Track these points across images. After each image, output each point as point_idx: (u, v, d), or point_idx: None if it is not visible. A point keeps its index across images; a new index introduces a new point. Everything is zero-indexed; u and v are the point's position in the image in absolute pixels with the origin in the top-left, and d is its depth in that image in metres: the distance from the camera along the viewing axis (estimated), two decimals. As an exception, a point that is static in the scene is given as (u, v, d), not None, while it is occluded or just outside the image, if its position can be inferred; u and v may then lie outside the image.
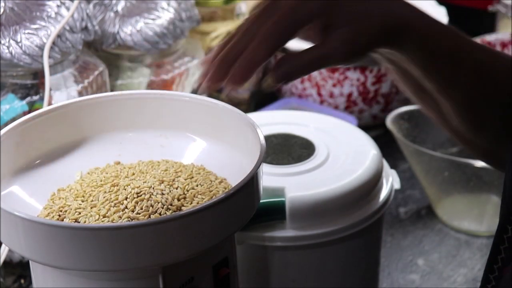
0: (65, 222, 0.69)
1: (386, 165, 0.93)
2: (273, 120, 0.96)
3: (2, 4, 1.01)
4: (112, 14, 1.13)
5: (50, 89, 1.01)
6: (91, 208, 0.69)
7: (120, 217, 0.68)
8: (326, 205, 0.84)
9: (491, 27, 1.54)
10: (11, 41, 0.99)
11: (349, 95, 1.33)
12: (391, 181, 0.92)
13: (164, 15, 1.14)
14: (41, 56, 1.00)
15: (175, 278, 0.69)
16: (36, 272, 0.72)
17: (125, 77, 1.16)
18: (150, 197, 0.70)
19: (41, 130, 0.77)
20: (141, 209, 0.69)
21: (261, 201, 0.73)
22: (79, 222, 0.69)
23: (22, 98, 1.02)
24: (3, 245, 0.93)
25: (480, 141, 0.76)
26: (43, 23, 1.01)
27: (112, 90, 1.13)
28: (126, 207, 0.69)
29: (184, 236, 0.65)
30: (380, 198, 0.89)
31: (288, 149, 0.91)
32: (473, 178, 1.13)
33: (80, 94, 1.04)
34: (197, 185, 0.73)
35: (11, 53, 0.99)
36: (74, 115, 0.80)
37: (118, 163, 0.79)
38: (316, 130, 0.94)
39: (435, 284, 1.07)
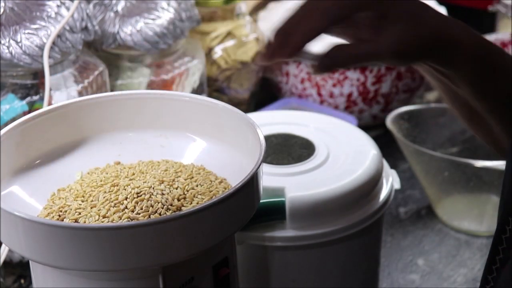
0: (65, 222, 0.69)
1: (386, 165, 0.93)
2: (273, 120, 0.96)
3: (2, 4, 1.01)
4: (112, 14, 1.13)
5: (50, 89, 1.01)
6: (91, 208, 0.69)
7: (120, 217, 0.68)
8: (326, 205, 0.84)
9: (491, 27, 1.54)
10: (11, 41, 0.99)
11: (349, 95, 1.33)
12: (391, 181, 0.92)
13: (164, 15, 1.14)
14: (41, 56, 1.00)
15: (175, 278, 0.69)
16: (36, 272, 0.72)
17: (125, 77, 1.16)
18: (150, 197, 0.70)
19: (41, 130, 0.77)
20: (141, 209, 0.69)
21: (261, 201, 0.73)
22: (79, 222, 0.69)
23: (22, 98, 1.02)
24: (3, 245, 0.93)
25: None
26: (43, 23, 1.01)
27: (112, 90, 1.13)
28: (126, 207, 0.69)
29: (184, 236, 0.65)
30: (380, 198, 0.89)
31: (288, 149, 0.91)
32: (473, 178, 1.14)
33: (80, 94, 1.04)
34: (197, 185, 0.73)
35: (11, 53, 0.99)
36: (74, 115, 0.80)
37: (118, 163, 0.79)
38: (316, 130, 0.94)
39: (435, 284, 1.07)
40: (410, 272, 1.09)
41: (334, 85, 1.32)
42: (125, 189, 0.71)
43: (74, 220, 0.69)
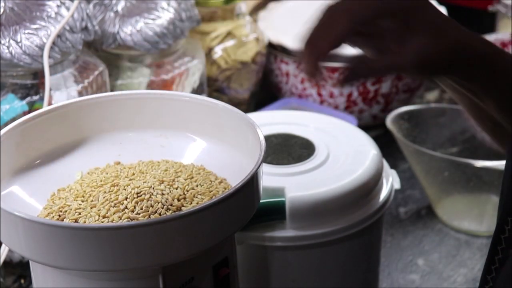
0: (65, 222, 0.69)
1: (386, 165, 0.93)
2: (273, 120, 0.96)
3: (2, 4, 1.01)
4: (112, 14, 1.13)
5: (50, 89, 1.00)
6: (91, 208, 0.69)
7: (120, 217, 0.68)
8: (326, 205, 0.84)
9: (491, 27, 1.54)
10: (11, 41, 0.99)
11: (349, 95, 1.33)
12: (391, 181, 0.92)
13: (164, 15, 1.14)
14: (41, 56, 1.00)
15: (175, 278, 0.69)
16: (36, 272, 0.72)
17: (125, 77, 1.16)
18: (150, 197, 0.70)
19: (41, 130, 0.77)
20: (141, 209, 0.69)
21: (261, 201, 0.73)
22: (79, 222, 0.69)
23: (22, 98, 1.02)
24: (3, 245, 0.93)
25: None
26: (43, 23, 1.01)
27: (112, 90, 1.13)
28: (126, 207, 0.69)
29: (184, 236, 0.65)
30: (380, 198, 0.89)
31: (288, 149, 0.91)
32: (473, 178, 1.14)
33: (80, 94, 1.04)
34: (197, 185, 0.73)
35: (11, 53, 0.99)
36: (74, 115, 0.80)
37: (118, 163, 0.79)
38: (316, 130, 0.94)
39: (435, 284, 1.07)
40: (410, 272, 1.09)
41: (334, 85, 1.32)
42: (125, 189, 0.71)
43: (74, 220, 0.69)
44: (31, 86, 1.02)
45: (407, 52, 0.66)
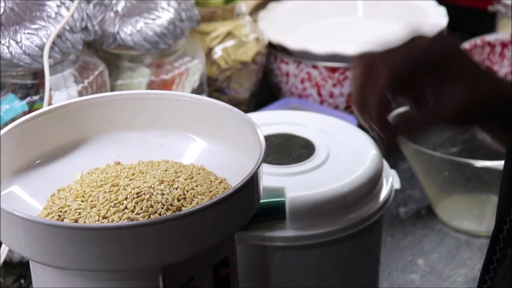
0: (65, 222, 0.69)
1: (386, 165, 0.93)
2: (273, 120, 0.96)
3: (2, 4, 1.01)
4: (112, 14, 1.13)
5: (50, 89, 1.00)
6: (91, 208, 0.69)
7: (120, 217, 0.68)
8: (326, 205, 0.84)
9: (491, 27, 1.54)
10: (11, 41, 0.99)
11: (349, 95, 1.33)
12: (391, 181, 0.92)
13: (164, 15, 1.14)
14: (41, 56, 1.00)
15: (175, 278, 0.69)
16: (36, 272, 0.72)
17: (125, 77, 1.16)
18: (150, 197, 0.70)
19: (41, 130, 0.77)
20: (141, 209, 0.69)
21: (261, 201, 0.73)
22: (79, 222, 0.69)
23: (22, 98, 1.02)
24: (3, 245, 0.93)
25: None
26: (43, 23, 1.01)
27: (112, 90, 1.13)
28: (126, 207, 0.69)
29: (184, 236, 0.65)
30: (380, 198, 0.89)
31: (288, 149, 0.91)
32: (473, 178, 1.13)
33: (80, 94, 1.04)
34: (197, 186, 0.73)
35: (11, 53, 0.99)
36: (74, 115, 0.80)
37: (118, 163, 0.79)
38: (316, 130, 0.94)
39: (435, 284, 1.07)
40: (410, 272, 1.09)
41: (334, 85, 1.32)
42: (125, 189, 0.71)
43: (74, 221, 0.69)
44: (31, 86, 1.02)
45: (445, 104, 0.68)
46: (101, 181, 0.73)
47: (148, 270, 0.67)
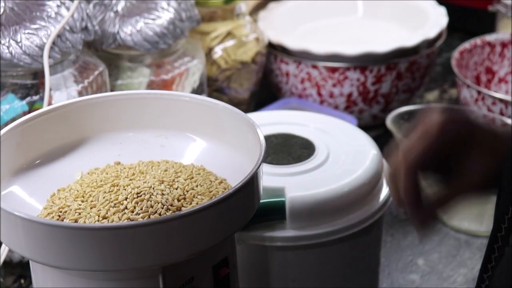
0: (65, 222, 0.69)
1: (386, 165, 0.93)
2: (273, 120, 0.96)
3: (2, 4, 1.01)
4: (112, 14, 1.13)
5: (50, 89, 1.00)
6: (91, 208, 0.69)
7: (119, 218, 0.68)
8: (326, 205, 0.84)
9: (491, 27, 1.54)
10: (11, 41, 0.99)
11: (349, 95, 1.33)
12: (391, 181, 0.92)
13: (164, 15, 1.14)
14: (41, 56, 1.00)
15: (175, 278, 0.69)
16: (36, 272, 0.72)
17: (125, 77, 1.16)
18: (150, 197, 0.70)
19: (41, 130, 0.77)
20: (141, 209, 0.69)
21: (261, 201, 0.73)
22: (79, 222, 0.69)
23: (22, 98, 1.02)
24: (3, 245, 0.93)
25: None
26: (43, 23, 1.01)
27: (112, 90, 1.13)
28: (126, 208, 0.69)
29: (184, 236, 0.65)
30: (380, 198, 0.89)
31: (288, 149, 0.91)
32: (473, 178, 1.13)
33: (80, 94, 1.04)
34: (197, 186, 0.73)
35: (11, 53, 0.99)
36: (74, 115, 0.80)
37: (118, 163, 0.79)
38: (316, 130, 0.94)
39: (435, 284, 1.07)
40: (410, 272, 1.09)
41: (334, 85, 1.32)
42: (125, 189, 0.71)
43: (74, 221, 0.69)
44: (31, 86, 1.02)
45: (472, 176, 0.73)
46: (101, 181, 0.73)
47: (148, 270, 0.67)
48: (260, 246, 0.85)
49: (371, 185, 0.87)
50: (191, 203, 0.70)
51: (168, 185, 0.72)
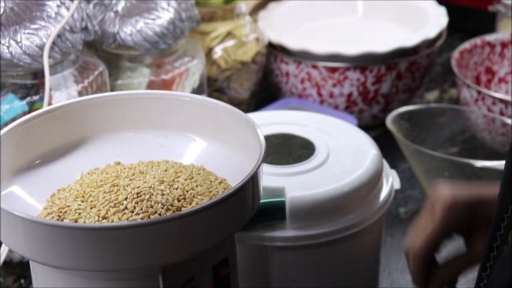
0: (65, 222, 0.69)
1: (386, 165, 0.93)
2: (273, 120, 0.96)
3: (2, 4, 1.01)
4: (112, 14, 1.13)
5: (50, 89, 1.01)
6: (91, 208, 0.69)
7: (119, 218, 0.68)
8: (326, 205, 0.84)
9: (491, 27, 1.54)
10: (11, 41, 0.99)
11: (349, 95, 1.33)
12: (391, 181, 0.92)
13: (164, 15, 1.14)
14: (41, 56, 1.00)
15: (175, 278, 0.69)
16: (36, 272, 0.72)
17: (125, 77, 1.16)
18: (150, 197, 0.70)
19: (41, 130, 0.77)
20: (141, 209, 0.69)
21: (261, 201, 0.73)
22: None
23: (22, 98, 1.02)
24: (3, 245, 0.93)
25: None
26: (43, 23, 1.01)
27: (112, 90, 1.13)
28: (126, 208, 0.69)
29: (184, 236, 0.65)
30: (380, 198, 0.89)
31: (288, 149, 0.91)
32: (473, 178, 1.13)
33: (80, 94, 1.04)
34: (196, 186, 0.73)
35: (11, 53, 0.99)
36: (74, 115, 0.80)
37: (118, 163, 0.79)
38: (316, 130, 0.94)
39: (435, 284, 1.07)
40: (410, 272, 1.08)
41: (334, 85, 1.32)
42: (125, 189, 0.71)
43: (74, 221, 0.69)
44: (31, 86, 1.02)
45: (474, 252, 0.81)
46: (101, 181, 0.73)
47: (148, 270, 0.67)
48: (260, 246, 0.85)
49: (371, 185, 0.87)
50: (191, 203, 0.70)
51: (168, 185, 0.72)
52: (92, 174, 0.76)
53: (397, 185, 0.93)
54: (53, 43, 1.01)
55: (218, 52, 1.28)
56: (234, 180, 0.73)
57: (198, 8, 1.21)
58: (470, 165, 1.11)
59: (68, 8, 1.03)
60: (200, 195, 0.72)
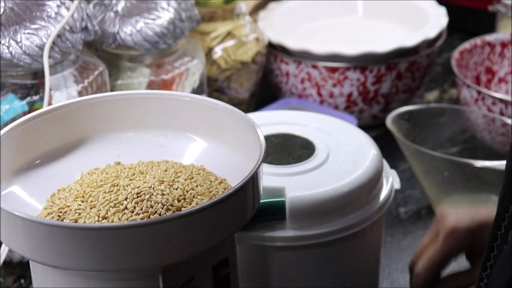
0: (65, 222, 0.69)
1: (386, 165, 0.93)
2: (273, 120, 0.96)
3: (2, 4, 1.01)
4: (112, 14, 1.13)
5: (50, 89, 1.01)
6: (91, 208, 0.69)
7: (119, 218, 0.68)
8: (326, 205, 0.84)
9: (491, 27, 1.54)
10: (11, 41, 0.99)
11: (349, 95, 1.33)
12: (391, 181, 0.92)
13: (164, 15, 1.14)
14: (41, 56, 1.00)
15: (175, 278, 0.69)
16: (36, 272, 0.72)
17: (125, 77, 1.16)
18: (150, 197, 0.70)
19: (41, 130, 0.77)
20: (141, 209, 0.69)
21: (261, 201, 0.73)
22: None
23: (22, 98, 1.02)
24: (3, 245, 0.93)
25: None
26: (43, 23, 1.01)
27: (112, 90, 1.13)
28: (126, 208, 0.69)
29: (184, 236, 0.65)
30: (380, 198, 0.89)
31: (288, 149, 0.91)
32: (473, 178, 1.13)
33: (80, 94, 1.04)
34: (196, 186, 0.73)
35: (11, 53, 0.99)
36: (74, 115, 0.80)
37: (118, 163, 0.79)
38: (316, 130, 0.94)
39: (435, 284, 1.07)
40: (410, 272, 1.08)
41: (334, 85, 1.32)
42: (125, 189, 0.71)
43: (74, 221, 0.69)
44: (31, 86, 1.02)
45: (476, 269, 0.83)
46: (101, 181, 0.73)
47: (148, 270, 0.67)
48: (260, 246, 0.85)
49: (371, 185, 0.87)
50: (191, 203, 0.70)
51: (168, 185, 0.72)
52: (92, 174, 0.76)
53: (397, 185, 0.93)
54: (53, 43, 1.01)
55: (218, 52, 1.28)
56: (234, 180, 0.73)
57: (198, 8, 1.21)
58: (470, 165, 1.11)
59: (68, 8, 1.03)
60: (200, 195, 0.72)
